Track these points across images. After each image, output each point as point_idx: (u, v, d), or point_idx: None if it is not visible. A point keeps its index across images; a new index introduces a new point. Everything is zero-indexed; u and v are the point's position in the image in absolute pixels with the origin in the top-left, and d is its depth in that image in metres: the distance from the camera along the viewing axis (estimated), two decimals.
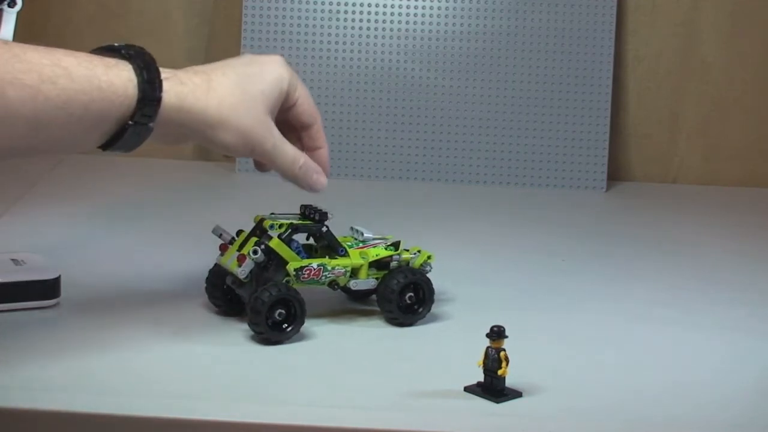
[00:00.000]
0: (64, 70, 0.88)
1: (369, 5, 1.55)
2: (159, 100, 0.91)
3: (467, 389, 0.90)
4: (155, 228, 1.30)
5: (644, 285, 1.17)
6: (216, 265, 1.04)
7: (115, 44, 0.93)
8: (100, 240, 1.25)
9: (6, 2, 1.05)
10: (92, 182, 1.48)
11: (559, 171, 1.55)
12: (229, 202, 1.43)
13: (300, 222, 1.03)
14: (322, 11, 1.55)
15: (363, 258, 1.04)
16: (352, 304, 1.08)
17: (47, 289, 1.03)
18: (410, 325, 1.03)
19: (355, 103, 1.55)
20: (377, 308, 1.04)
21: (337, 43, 1.55)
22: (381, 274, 1.04)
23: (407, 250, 1.06)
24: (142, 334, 0.99)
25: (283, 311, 0.98)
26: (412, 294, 1.04)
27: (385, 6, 1.55)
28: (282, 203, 1.43)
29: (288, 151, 1.00)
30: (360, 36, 1.55)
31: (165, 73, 0.92)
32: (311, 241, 1.05)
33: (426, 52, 1.55)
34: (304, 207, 1.05)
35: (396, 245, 1.06)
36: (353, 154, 1.54)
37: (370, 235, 1.07)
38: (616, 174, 1.61)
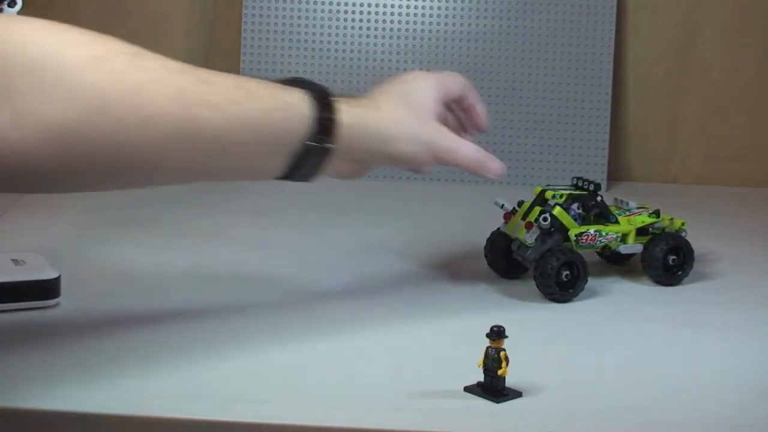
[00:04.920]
0: (247, 91, 0.88)
1: (369, 5, 1.55)
2: (334, 119, 0.93)
3: (467, 389, 0.90)
4: (155, 228, 1.30)
5: (644, 285, 1.17)
6: (498, 232, 1.16)
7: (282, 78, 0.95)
8: (101, 240, 1.25)
9: (6, 2, 1.05)
10: None
11: (559, 171, 1.55)
12: (228, 202, 1.43)
13: (578, 192, 1.14)
14: (322, 11, 1.55)
15: (631, 224, 1.15)
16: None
17: (47, 289, 1.03)
18: (672, 285, 1.15)
19: None
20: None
21: (337, 43, 1.55)
22: (643, 239, 1.15)
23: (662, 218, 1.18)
24: (142, 334, 0.99)
25: (569, 273, 1.09)
26: (675, 257, 1.15)
27: (385, 6, 1.55)
28: (282, 204, 1.43)
29: (467, 142, 1.07)
30: (360, 36, 1.55)
31: (335, 97, 0.94)
32: (580, 210, 1.14)
33: (426, 52, 1.55)
34: (576, 179, 1.16)
35: (657, 213, 1.17)
36: None
37: (634, 204, 1.19)
38: (616, 174, 1.61)
